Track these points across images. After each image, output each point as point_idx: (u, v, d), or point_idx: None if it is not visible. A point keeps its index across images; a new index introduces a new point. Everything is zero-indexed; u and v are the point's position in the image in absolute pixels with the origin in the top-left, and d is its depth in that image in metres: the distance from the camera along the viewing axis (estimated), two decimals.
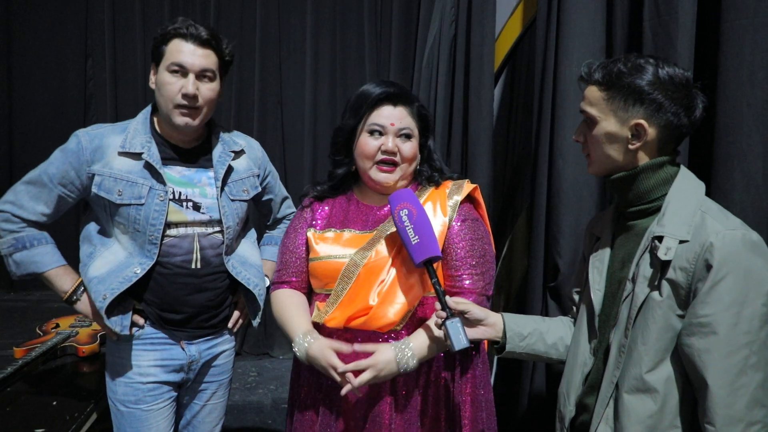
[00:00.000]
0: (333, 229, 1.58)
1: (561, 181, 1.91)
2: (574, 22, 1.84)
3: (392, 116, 1.53)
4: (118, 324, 1.65)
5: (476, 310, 1.42)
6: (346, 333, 1.50)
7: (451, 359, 1.55)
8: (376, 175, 1.55)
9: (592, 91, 1.25)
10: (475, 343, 1.43)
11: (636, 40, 1.64)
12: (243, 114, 4.23)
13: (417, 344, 1.44)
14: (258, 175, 1.90)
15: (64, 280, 1.70)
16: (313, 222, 1.63)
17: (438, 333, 1.42)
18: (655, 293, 1.18)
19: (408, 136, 1.55)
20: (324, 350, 1.42)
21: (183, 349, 1.75)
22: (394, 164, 1.54)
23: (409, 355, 1.41)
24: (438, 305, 1.38)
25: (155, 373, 1.72)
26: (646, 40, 1.61)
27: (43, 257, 1.69)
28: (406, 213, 1.41)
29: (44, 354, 2.15)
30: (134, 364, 1.70)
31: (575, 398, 1.35)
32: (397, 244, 1.51)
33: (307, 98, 4.19)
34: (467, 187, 1.59)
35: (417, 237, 1.38)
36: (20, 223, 1.67)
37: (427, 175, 1.62)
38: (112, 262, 1.67)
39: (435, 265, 1.43)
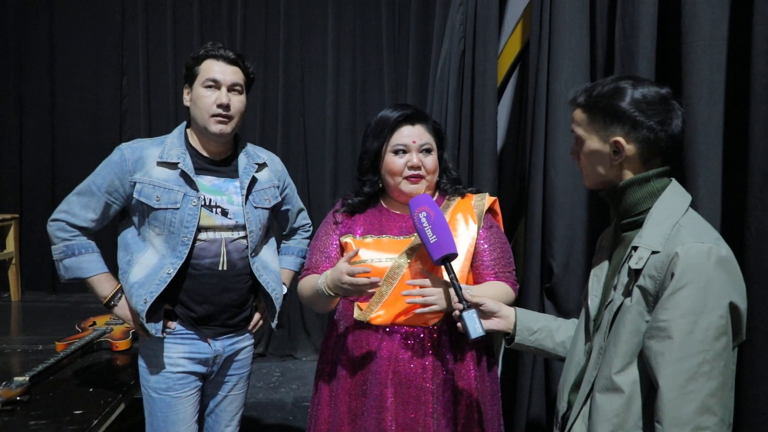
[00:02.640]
0: (371, 236, 1.72)
1: (554, 190, 2.02)
2: (563, 44, 1.96)
3: (413, 134, 1.69)
4: (153, 328, 1.82)
5: (490, 303, 1.53)
6: (387, 330, 1.65)
7: (470, 355, 1.69)
8: (407, 187, 1.70)
9: (578, 114, 1.34)
10: (489, 334, 1.54)
11: (611, 60, 1.77)
12: (267, 126, 4.39)
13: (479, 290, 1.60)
14: (278, 187, 2.06)
15: (104, 286, 1.89)
16: (350, 230, 1.76)
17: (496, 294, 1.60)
18: (627, 299, 1.24)
19: (428, 151, 1.71)
20: (338, 267, 1.55)
21: (209, 344, 1.91)
22: (420, 176, 1.69)
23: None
24: (455, 298, 1.50)
25: (184, 364, 1.89)
26: (616, 62, 1.74)
27: (89, 264, 1.88)
28: (425, 215, 1.53)
29: (82, 348, 2.32)
30: (166, 355, 1.87)
31: (567, 395, 1.42)
32: None
33: (328, 111, 4.35)
34: (489, 200, 1.77)
35: (435, 236, 1.50)
36: (72, 231, 1.86)
37: (450, 186, 1.78)
38: (148, 266, 1.84)
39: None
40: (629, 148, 1.27)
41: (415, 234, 1.67)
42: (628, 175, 1.30)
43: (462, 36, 2.76)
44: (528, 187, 2.20)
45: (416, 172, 1.68)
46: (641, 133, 1.25)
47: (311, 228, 2.29)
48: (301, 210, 2.25)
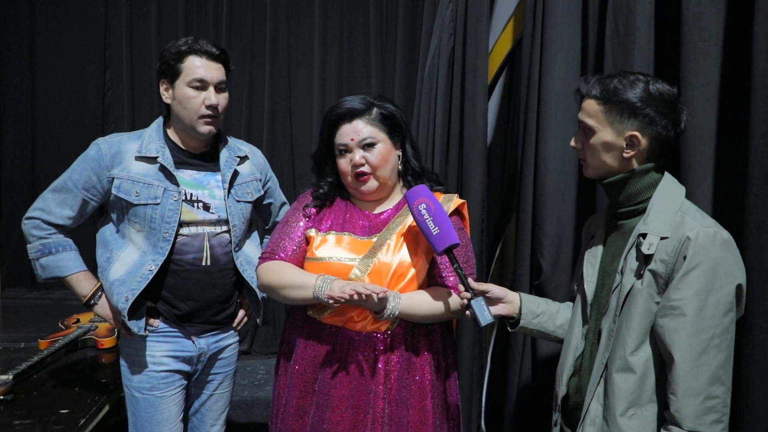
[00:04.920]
0: (334, 232, 1.67)
1: (544, 187, 2.02)
2: (556, 40, 1.95)
3: (350, 132, 1.64)
4: (135, 326, 1.78)
5: (496, 290, 1.56)
6: (339, 329, 1.61)
7: (426, 359, 1.65)
8: (359, 186, 1.67)
9: (591, 104, 1.37)
10: (480, 332, 1.54)
11: (604, 57, 1.77)
12: (253, 121, 4.35)
13: (407, 300, 1.57)
14: (260, 180, 2.03)
15: (84, 284, 1.85)
16: (315, 224, 1.71)
17: (436, 301, 1.59)
18: (638, 283, 1.31)
19: (371, 144, 1.64)
20: (347, 284, 1.51)
21: (193, 342, 1.88)
22: (366, 173, 1.65)
23: (396, 304, 1.54)
24: (461, 287, 1.51)
25: (168, 363, 1.85)
26: (607, 59, 1.74)
27: (67, 262, 1.83)
28: (425, 207, 1.52)
29: (66, 346, 2.29)
30: (149, 354, 1.84)
31: (567, 378, 1.47)
32: (398, 251, 1.62)
33: (315, 106, 4.31)
34: (456, 201, 1.72)
35: (437, 228, 1.50)
36: (49, 229, 1.82)
37: (415, 181, 1.72)
38: (128, 264, 1.80)
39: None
40: (643, 142, 1.33)
41: (376, 235, 1.65)
42: (633, 165, 1.37)
43: (452, 33, 2.75)
44: (519, 185, 2.20)
45: (361, 170, 1.64)
46: (655, 129, 1.32)
47: None
48: (283, 204, 2.21)
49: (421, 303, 1.60)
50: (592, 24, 1.88)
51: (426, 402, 1.64)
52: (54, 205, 1.82)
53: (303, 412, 1.63)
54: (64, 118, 4.33)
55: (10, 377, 1.91)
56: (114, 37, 4.32)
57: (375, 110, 1.67)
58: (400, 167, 1.74)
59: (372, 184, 1.67)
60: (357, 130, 1.64)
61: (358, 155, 1.64)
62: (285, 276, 1.64)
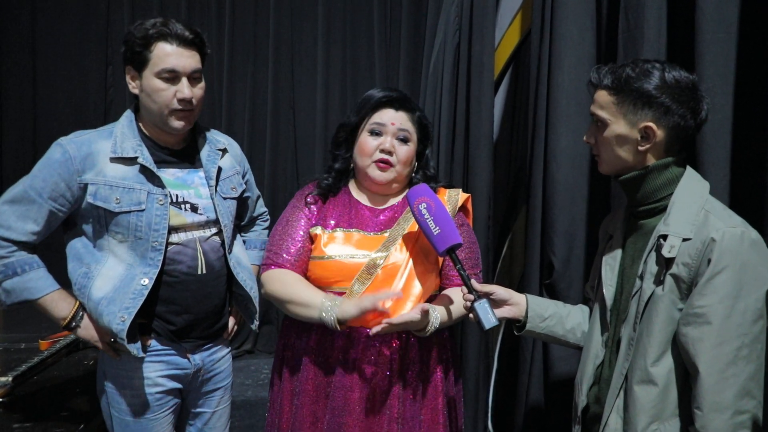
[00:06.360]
0: (341, 229, 1.64)
1: (554, 184, 1.99)
2: (566, 34, 1.92)
3: (394, 118, 1.63)
4: (134, 348, 1.60)
5: (500, 291, 1.52)
6: (354, 333, 1.57)
7: (436, 359, 1.64)
8: (373, 172, 1.64)
9: (602, 95, 1.30)
10: (501, 322, 1.50)
11: (616, 51, 1.74)
12: (257, 118, 4.32)
13: (440, 310, 1.58)
14: (240, 173, 1.89)
15: (60, 306, 1.61)
16: (320, 221, 1.67)
17: (458, 303, 1.58)
18: (659, 288, 1.23)
19: (405, 140, 1.64)
20: (359, 300, 1.49)
21: (189, 359, 1.74)
22: (390, 164, 1.62)
23: (435, 316, 1.54)
24: (464, 289, 1.47)
25: (163, 383, 1.70)
26: (619, 52, 1.71)
27: (36, 282, 1.58)
28: (425, 206, 1.50)
29: (68, 346, 2.25)
30: (144, 375, 1.67)
31: (587, 388, 1.41)
32: (411, 247, 1.59)
33: (318, 103, 4.29)
34: (462, 197, 1.71)
35: (438, 228, 1.47)
36: (9, 247, 1.56)
37: (421, 181, 1.70)
38: (113, 278, 1.60)
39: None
40: (659, 134, 1.25)
41: (387, 231, 1.62)
42: (650, 160, 1.29)
43: (457, 28, 2.72)
44: (529, 181, 2.17)
45: (386, 157, 1.62)
46: (672, 119, 1.24)
47: (269, 217, 2.10)
48: (259, 197, 2.06)
49: (451, 311, 1.61)
50: (604, 17, 1.85)
51: (438, 400, 1.62)
52: (14, 219, 1.56)
53: (315, 418, 1.59)
54: (65, 116, 4.30)
55: (10, 379, 1.88)
56: (116, 34, 4.28)
57: (418, 114, 1.69)
58: (413, 175, 1.74)
59: (389, 175, 1.65)
60: (401, 120, 1.64)
61: (390, 142, 1.63)
62: (290, 290, 1.60)
